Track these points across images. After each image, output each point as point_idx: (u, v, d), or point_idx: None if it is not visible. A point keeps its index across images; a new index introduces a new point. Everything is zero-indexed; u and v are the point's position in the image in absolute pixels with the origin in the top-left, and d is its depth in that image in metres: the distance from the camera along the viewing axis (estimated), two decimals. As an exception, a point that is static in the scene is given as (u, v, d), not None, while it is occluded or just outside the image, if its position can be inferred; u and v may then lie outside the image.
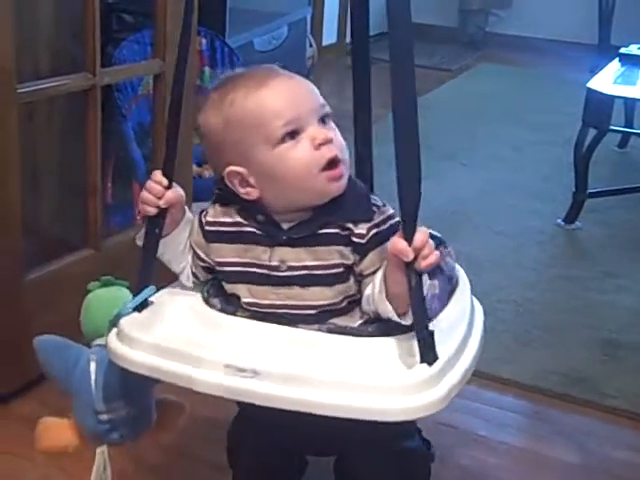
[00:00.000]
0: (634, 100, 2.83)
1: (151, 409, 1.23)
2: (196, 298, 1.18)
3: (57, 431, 1.22)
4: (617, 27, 3.24)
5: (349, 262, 1.11)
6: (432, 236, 1.04)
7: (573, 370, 1.85)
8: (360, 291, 1.12)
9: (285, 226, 1.12)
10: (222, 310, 1.15)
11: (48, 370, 1.21)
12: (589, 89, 2.55)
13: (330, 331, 1.09)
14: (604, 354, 1.94)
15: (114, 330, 1.11)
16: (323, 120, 1.10)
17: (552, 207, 2.73)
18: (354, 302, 1.13)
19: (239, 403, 1.16)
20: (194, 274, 1.20)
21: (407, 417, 0.97)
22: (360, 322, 1.13)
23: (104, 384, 1.18)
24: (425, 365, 0.98)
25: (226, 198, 1.15)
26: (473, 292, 1.22)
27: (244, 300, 1.14)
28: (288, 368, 1.01)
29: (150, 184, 1.14)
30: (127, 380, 1.16)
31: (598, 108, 2.55)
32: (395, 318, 1.05)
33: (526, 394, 1.79)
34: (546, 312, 2.12)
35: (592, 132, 2.60)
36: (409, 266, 0.98)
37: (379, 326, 1.10)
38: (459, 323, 1.12)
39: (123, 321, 1.10)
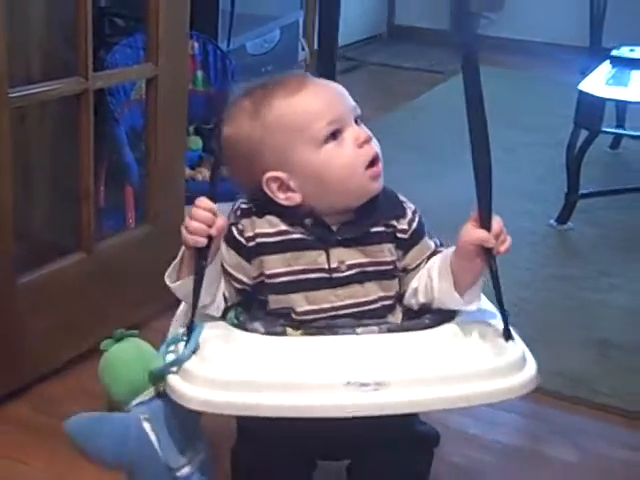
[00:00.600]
0: (625, 102, 2.84)
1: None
2: (232, 329, 1.09)
3: None
4: (608, 29, 3.24)
5: (395, 258, 1.14)
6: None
7: (567, 369, 1.85)
8: (400, 286, 1.15)
9: (334, 228, 1.13)
10: (268, 333, 1.07)
11: (89, 453, 1.10)
12: (580, 91, 2.56)
13: (390, 330, 1.10)
14: (598, 353, 1.94)
15: (176, 378, 1.02)
16: (356, 121, 1.13)
17: (544, 208, 2.73)
18: (394, 298, 1.16)
19: (250, 421, 1.09)
20: (225, 300, 1.12)
21: (518, 393, 1.08)
22: (401, 317, 1.16)
23: (170, 438, 1.10)
24: (516, 343, 1.08)
25: (263, 208, 1.12)
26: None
27: (299, 309, 1.11)
28: (403, 373, 1.02)
29: (199, 212, 1.01)
30: (187, 424, 1.10)
31: (589, 110, 2.56)
32: (462, 306, 1.08)
33: (520, 393, 1.79)
34: (540, 311, 2.13)
35: (584, 133, 2.61)
36: (488, 252, 1.03)
37: (431, 317, 1.12)
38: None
39: (188, 366, 1.01)
